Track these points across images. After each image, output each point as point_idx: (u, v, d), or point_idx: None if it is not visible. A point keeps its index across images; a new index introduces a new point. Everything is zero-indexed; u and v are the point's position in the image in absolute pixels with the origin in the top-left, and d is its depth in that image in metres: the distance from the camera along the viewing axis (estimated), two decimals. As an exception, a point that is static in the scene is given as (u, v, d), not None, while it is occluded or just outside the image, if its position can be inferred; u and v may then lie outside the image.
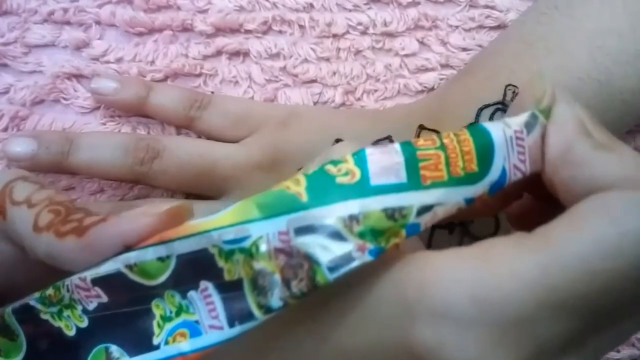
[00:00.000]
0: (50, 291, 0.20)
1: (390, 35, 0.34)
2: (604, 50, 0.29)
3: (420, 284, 0.17)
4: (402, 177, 0.18)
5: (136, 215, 0.19)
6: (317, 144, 0.30)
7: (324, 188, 0.18)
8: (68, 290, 0.19)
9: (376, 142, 0.30)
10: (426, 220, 0.18)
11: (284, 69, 0.33)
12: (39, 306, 0.20)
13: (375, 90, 0.34)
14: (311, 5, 0.33)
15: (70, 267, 0.19)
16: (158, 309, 0.19)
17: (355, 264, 0.17)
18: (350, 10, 0.34)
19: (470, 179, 0.18)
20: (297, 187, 0.18)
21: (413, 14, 0.34)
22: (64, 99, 0.32)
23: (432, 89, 0.34)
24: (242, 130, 0.31)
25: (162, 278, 0.18)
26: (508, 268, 0.17)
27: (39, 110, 0.32)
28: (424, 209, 0.18)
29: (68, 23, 0.32)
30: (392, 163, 0.18)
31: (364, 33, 0.34)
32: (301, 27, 0.33)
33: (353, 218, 0.17)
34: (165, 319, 0.19)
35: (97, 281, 0.19)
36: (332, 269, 0.17)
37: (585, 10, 0.30)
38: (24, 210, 0.20)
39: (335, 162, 0.18)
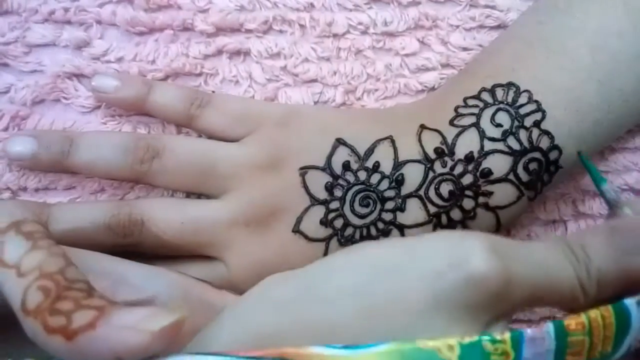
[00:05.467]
0: None
1: (391, 34, 0.34)
2: (605, 50, 0.29)
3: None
4: None
5: (128, 329, 0.18)
6: (317, 143, 0.30)
7: None
8: None
9: (377, 142, 0.30)
10: None
11: (284, 69, 0.33)
12: None
13: (376, 90, 0.34)
14: (312, 5, 0.33)
15: (58, 357, 0.19)
16: None
17: None
18: (350, 10, 0.34)
19: (601, 358, 0.20)
20: (450, 353, 0.18)
21: (413, 14, 0.34)
22: (65, 98, 0.32)
23: (433, 88, 0.34)
24: (242, 128, 0.31)
25: None
26: None
27: (39, 109, 0.32)
28: None
29: (69, 22, 0.32)
30: (544, 350, 0.19)
31: (364, 33, 0.34)
32: (302, 26, 0.33)
33: None
34: None
35: None
36: None
37: (587, 10, 0.30)
38: (13, 277, 0.20)
39: (494, 341, 0.19)
